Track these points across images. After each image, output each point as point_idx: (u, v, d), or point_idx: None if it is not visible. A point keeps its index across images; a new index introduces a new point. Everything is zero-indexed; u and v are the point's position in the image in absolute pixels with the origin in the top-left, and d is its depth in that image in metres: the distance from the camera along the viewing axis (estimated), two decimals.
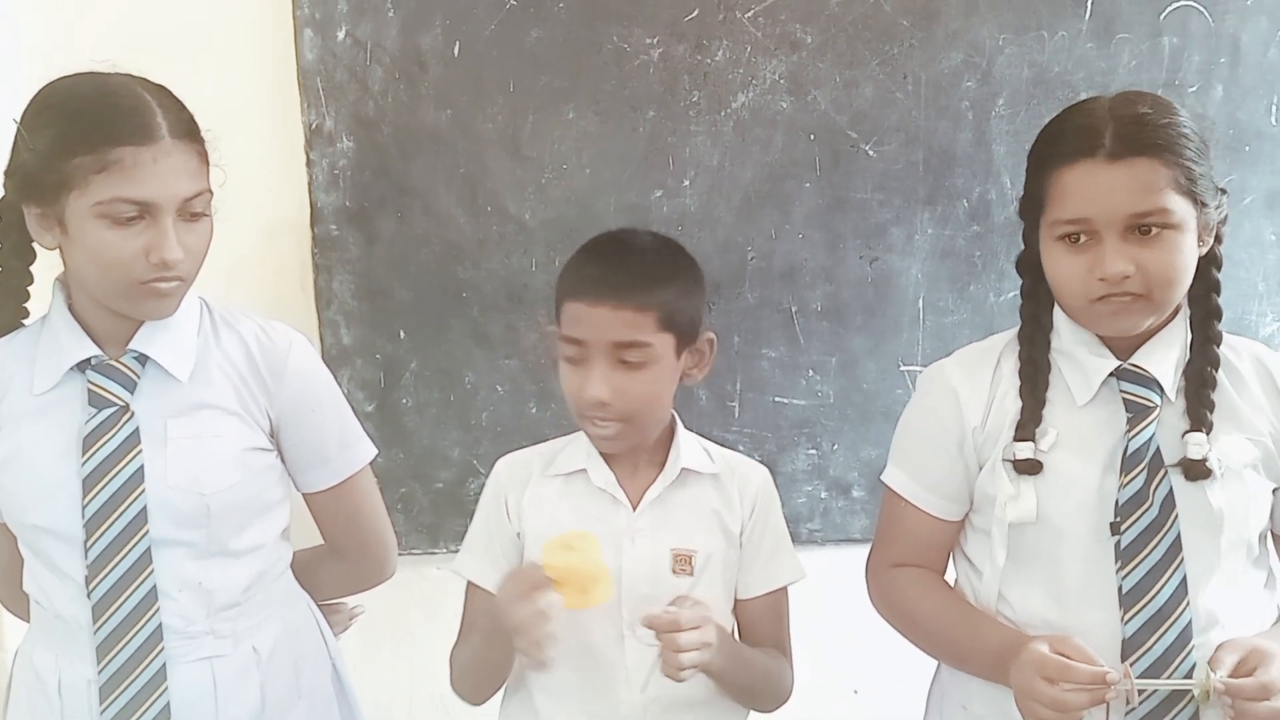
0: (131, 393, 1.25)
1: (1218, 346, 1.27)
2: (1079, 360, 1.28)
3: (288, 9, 1.89)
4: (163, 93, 1.22)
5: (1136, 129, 1.19)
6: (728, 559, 1.34)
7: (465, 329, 2.00)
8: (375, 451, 1.46)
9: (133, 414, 1.24)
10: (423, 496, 2.05)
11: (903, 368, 2.08)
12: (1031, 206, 1.27)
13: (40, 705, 1.30)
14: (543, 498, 1.35)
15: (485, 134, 1.94)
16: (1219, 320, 1.27)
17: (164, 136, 1.17)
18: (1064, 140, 1.23)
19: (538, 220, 1.97)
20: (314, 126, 1.92)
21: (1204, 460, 1.22)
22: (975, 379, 1.32)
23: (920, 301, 2.07)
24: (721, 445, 1.44)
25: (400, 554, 1.96)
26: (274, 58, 1.91)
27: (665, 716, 1.32)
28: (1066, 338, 1.29)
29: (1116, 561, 1.23)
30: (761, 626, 1.38)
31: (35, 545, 1.27)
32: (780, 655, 1.39)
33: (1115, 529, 1.23)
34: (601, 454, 1.34)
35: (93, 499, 1.22)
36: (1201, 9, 2.01)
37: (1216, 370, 1.26)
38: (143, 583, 1.24)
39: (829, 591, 2.05)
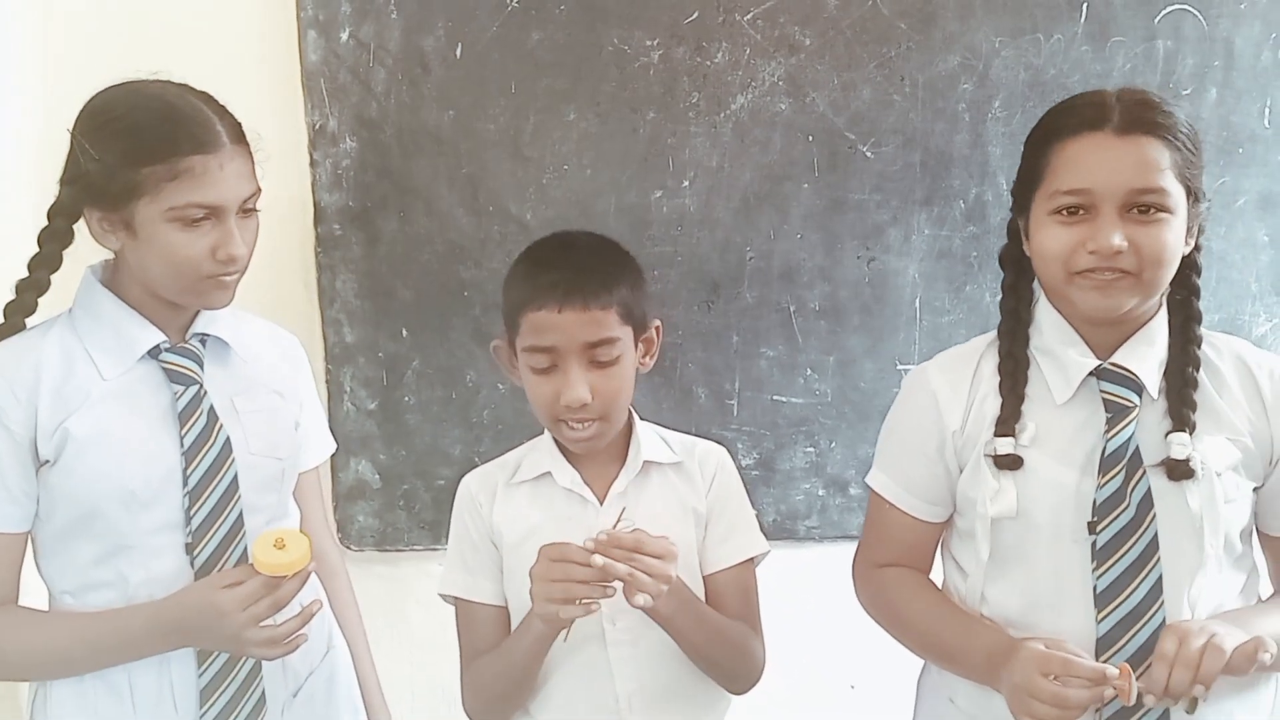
0: (202, 371, 1.33)
1: (1198, 348, 1.28)
2: (1059, 358, 1.28)
3: (291, 10, 1.89)
4: (212, 100, 1.28)
5: (1144, 110, 1.21)
6: (693, 538, 1.35)
7: (467, 328, 2.00)
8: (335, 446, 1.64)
9: (206, 391, 1.32)
10: (424, 493, 2.06)
11: (900, 367, 2.08)
12: (1027, 184, 1.27)
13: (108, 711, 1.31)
14: (513, 505, 1.36)
15: (487, 135, 1.95)
16: (1199, 324, 1.28)
17: (225, 144, 1.24)
18: (1069, 115, 1.24)
19: (539, 220, 1.96)
20: (317, 127, 1.92)
21: (1187, 460, 1.22)
22: (955, 382, 1.33)
23: (917, 301, 2.07)
24: (720, 443, 1.45)
25: (401, 550, 2.08)
26: (278, 59, 1.91)
27: (647, 708, 1.33)
28: (1049, 335, 1.29)
29: (1092, 562, 1.23)
30: (727, 601, 1.35)
31: (121, 525, 1.27)
32: (747, 629, 1.36)
33: (1091, 529, 1.23)
34: (565, 455, 1.35)
35: (195, 468, 1.29)
36: (1196, 13, 2.02)
37: (1197, 371, 1.27)
38: (236, 546, 1.32)
39: (826, 588, 2.07)
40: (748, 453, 2.09)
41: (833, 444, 2.11)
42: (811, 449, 2.11)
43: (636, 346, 1.32)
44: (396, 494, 2.06)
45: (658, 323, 1.35)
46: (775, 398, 2.09)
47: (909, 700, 1.50)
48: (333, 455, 1.95)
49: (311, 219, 1.96)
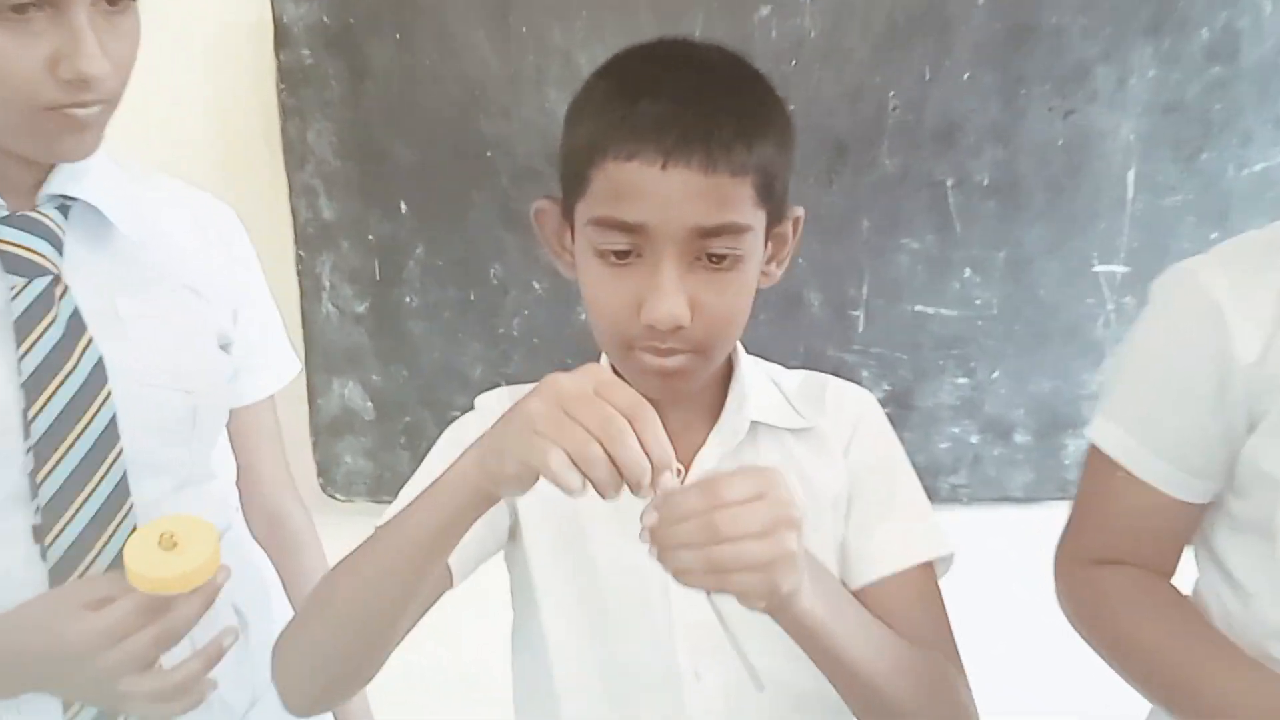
0: (60, 256, 1.04)
1: None
2: None
3: None
4: None
5: None
6: (830, 537, 1.02)
7: (491, 203, 1.72)
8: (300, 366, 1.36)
9: (67, 287, 1.03)
10: (433, 427, 1.78)
11: (1098, 268, 1.76)
12: None
13: None
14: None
15: None
16: None
17: None
18: None
19: (591, 52, 1.66)
20: None
21: None
22: (1250, 291, 1.05)
23: (1130, 175, 1.73)
24: (837, 372, 1.15)
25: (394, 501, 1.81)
26: None
27: None
28: None
29: None
30: (901, 621, 0.98)
31: None
32: (944, 662, 1.00)
33: None
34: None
35: (41, 411, 1.00)
36: None
37: None
38: (118, 530, 1.03)
39: (974, 567, 1.73)
40: (875, 383, 1.83)
41: (995, 374, 1.82)
42: (965, 380, 1.82)
43: (765, 244, 0.97)
44: (396, 428, 1.82)
45: (799, 211, 1.00)
46: (918, 308, 1.80)
47: None
48: (312, 376, 1.82)
49: (271, 43, 1.66)
